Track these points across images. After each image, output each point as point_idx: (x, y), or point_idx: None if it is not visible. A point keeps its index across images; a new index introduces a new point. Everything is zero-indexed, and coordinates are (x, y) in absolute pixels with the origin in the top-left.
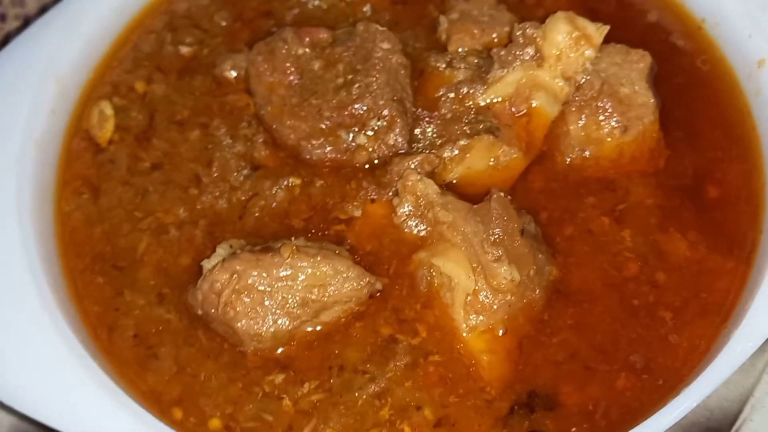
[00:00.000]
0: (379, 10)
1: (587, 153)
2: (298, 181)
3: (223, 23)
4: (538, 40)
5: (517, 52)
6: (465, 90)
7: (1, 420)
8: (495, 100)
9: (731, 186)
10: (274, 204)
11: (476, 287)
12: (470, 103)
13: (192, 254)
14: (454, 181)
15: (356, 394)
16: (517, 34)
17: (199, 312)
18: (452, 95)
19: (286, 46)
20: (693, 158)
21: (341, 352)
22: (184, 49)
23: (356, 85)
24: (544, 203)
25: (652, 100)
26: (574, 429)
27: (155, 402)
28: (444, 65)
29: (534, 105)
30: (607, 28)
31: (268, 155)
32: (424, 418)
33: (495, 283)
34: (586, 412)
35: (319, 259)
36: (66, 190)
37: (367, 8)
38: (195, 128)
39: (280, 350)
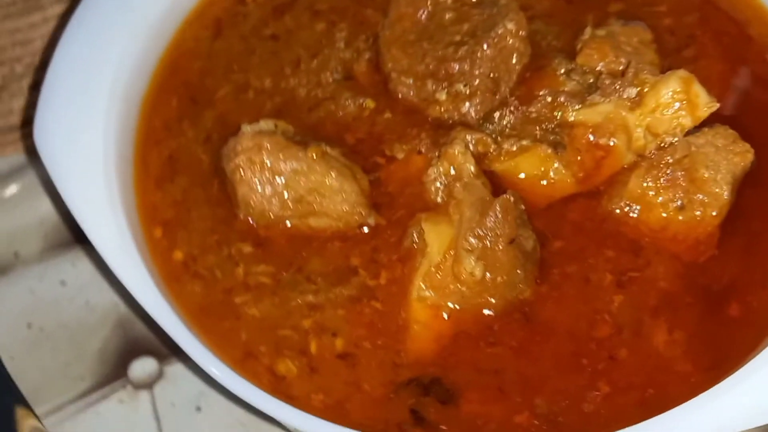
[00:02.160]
0: None
1: (634, 212)
2: (372, 105)
3: None
4: (646, 85)
5: (619, 87)
6: (561, 100)
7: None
8: (581, 122)
9: (756, 314)
10: (341, 113)
11: (441, 264)
12: (559, 114)
13: (252, 119)
14: (498, 172)
15: (295, 295)
16: (630, 71)
17: (222, 164)
18: (549, 99)
19: None
20: (737, 271)
21: (308, 256)
22: None
23: (465, 47)
24: (566, 234)
25: (725, 196)
26: (444, 428)
27: (149, 214)
28: (563, 71)
29: (612, 143)
30: (715, 107)
31: (364, 72)
32: (333, 344)
33: (456, 269)
34: (472, 426)
35: (333, 174)
36: (196, 22)
37: None
38: (323, 21)
39: (266, 228)
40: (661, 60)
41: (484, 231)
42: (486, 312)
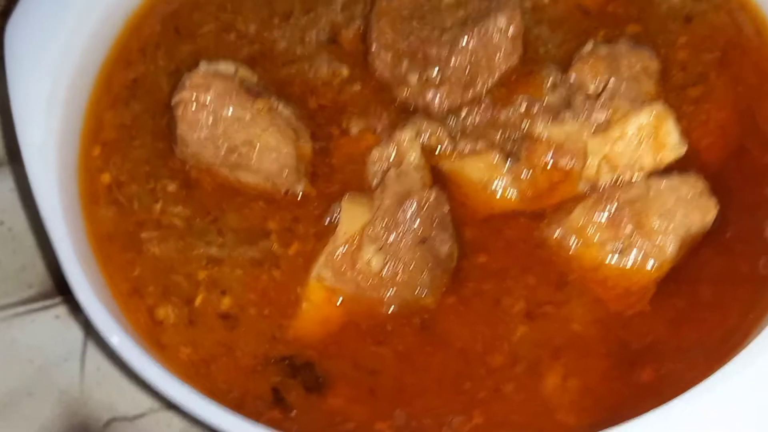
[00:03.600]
0: (560, 2)
1: (570, 244)
2: (345, 73)
3: None
4: (618, 112)
5: (590, 108)
6: (535, 110)
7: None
8: (545, 138)
9: (667, 384)
10: (312, 75)
11: (344, 247)
12: (526, 124)
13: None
14: (445, 171)
15: (200, 244)
16: (606, 94)
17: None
18: (522, 108)
19: None
20: (664, 334)
21: (228, 209)
22: None
23: (449, 34)
24: (495, 250)
25: (670, 251)
26: (294, 413)
27: (94, 131)
28: (550, 81)
29: (571, 167)
30: (681, 152)
31: (350, 40)
32: (220, 302)
33: (355, 256)
34: (329, 421)
35: (272, 131)
36: None
37: None
38: None
39: (197, 170)
40: (661, 94)
41: (395, 224)
42: (384, 309)
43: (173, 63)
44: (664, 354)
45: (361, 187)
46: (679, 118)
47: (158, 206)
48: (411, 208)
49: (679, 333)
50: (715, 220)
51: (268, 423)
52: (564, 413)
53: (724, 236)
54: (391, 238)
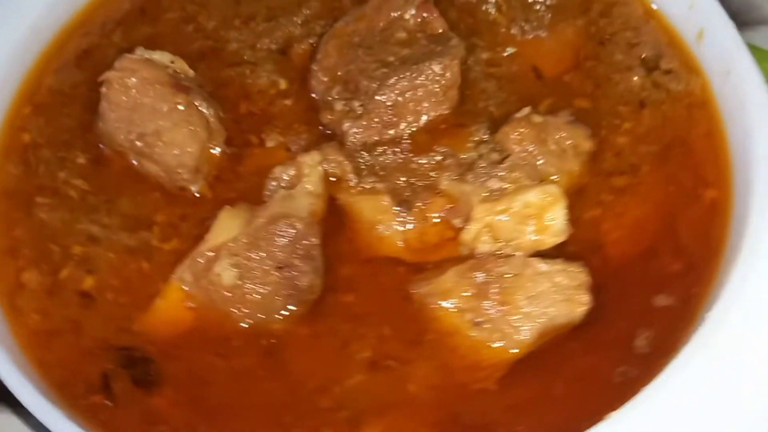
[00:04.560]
0: (517, 61)
1: (435, 304)
2: (282, 86)
3: None
4: (513, 185)
5: (489, 173)
6: (447, 163)
7: None
8: (445, 193)
9: None
10: (250, 81)
11: (205, 255)
12: (435, 175)
13: (174, 49)
14: (341, 204)
15: (86, 221)
16: (506, 164)
17: None
18: (438, 158)
19: (405, 4)
20: (501, 419)
21: (124, 193)
22: None
23: (385, 70)
24: (365, 293)
25: (526, 337)
26: (115, 402)
27: (30, 92)
28: (476, 139)
29: (459, 226)
30: (558, 241)
31: (300, 54)
32: (82, 280)
33: (211, 266)
34: (146, 418)
35: (181, 127)
36: None
37: (510, 50)
38: None
39: (111, 150)
40: (585, 176)
41: (257, 244)
42: (233, 324)
43: (127, 42)
44: None
45: (258, 200)
46: (595, 205)
47: (62, 175)
48: (275, 232)
49: (515, 420)
50: (593, 317)
51: (85, 408)
52: None
53: (595, 335)
54: (250, 257)
